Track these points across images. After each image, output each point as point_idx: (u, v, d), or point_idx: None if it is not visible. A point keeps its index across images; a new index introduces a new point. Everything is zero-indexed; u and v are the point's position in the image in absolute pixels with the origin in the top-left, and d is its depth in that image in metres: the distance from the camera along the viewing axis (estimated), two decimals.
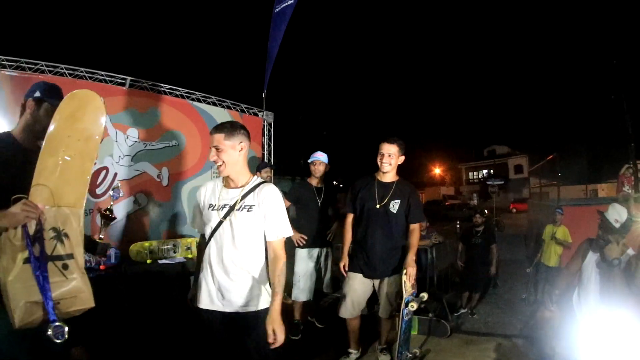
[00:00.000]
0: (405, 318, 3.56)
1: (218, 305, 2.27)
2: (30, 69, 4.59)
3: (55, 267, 1.74)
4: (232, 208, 2.26)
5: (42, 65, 4.65)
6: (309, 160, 4.70)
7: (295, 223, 4.59)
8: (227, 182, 2.39)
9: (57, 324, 1.65)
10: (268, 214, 2.26)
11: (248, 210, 2.25)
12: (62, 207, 1.82)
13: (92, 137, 1.97)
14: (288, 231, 2.34)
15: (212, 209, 2.32)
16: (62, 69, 4.74)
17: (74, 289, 1.77)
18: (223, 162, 2.26)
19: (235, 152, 2.29)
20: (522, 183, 35.88)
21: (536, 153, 28.09)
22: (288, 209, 4.78)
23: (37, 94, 2.10)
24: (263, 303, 2.27)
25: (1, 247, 1.67)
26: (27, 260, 1.66)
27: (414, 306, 3.48)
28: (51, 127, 1.85)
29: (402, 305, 3.52)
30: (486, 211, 7.05)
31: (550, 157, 11.51)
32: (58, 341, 1.65)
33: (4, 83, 4.39)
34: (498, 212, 16.53)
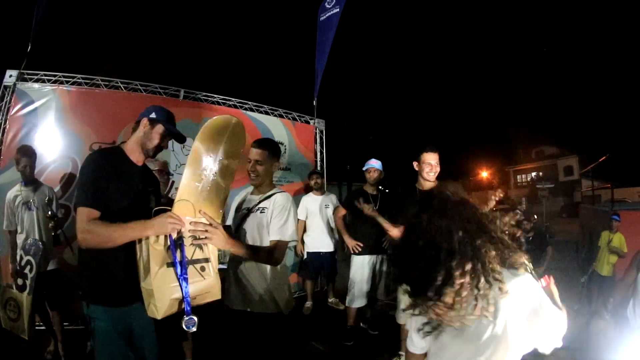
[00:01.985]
0: None
1: (239, 305, 2.54)
2: (86, 83, 4.96)
3: (195, 269, 2.06)
4: (249, 210, 2.57)
5: (97, 80, 5.02)
6: (364, 168, 4.88)
7: (350, 230, 4.80)
8: (253, 191, 2.72)
9: (191, 316, 1.98)
10: (273, 216, 2.49)
11: (261, 212, 2.52)
12: (201, 219, 2.09)
13: (232, 158, 2.20)
14: (288, 236, 2.49)
15: (237, 212, 2.70)
16: (117, 82, 5.10)
17: (208, 286, 2.09)
18: (259, 174, 2.58)
19: (270, 169, 2.64)
20: (573, 185, 34.82)
21: (587, 153, 27.28)
22: (344, 216, 4.97)
23: (153, 115, 2.34)
24: (272, 307, 2.50)
25: (142, 253, 1.97)
26: (170, 265, 1.98)
27: None
28: (193, 150, 2.08)
29: None
30: (535, 216, 6.99)
31: (604, 157, 11.17)
32: (189, 330, 1.99)
33: (63, 98, 4.81)
34: (548, 217, 16.14)
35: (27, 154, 4.03)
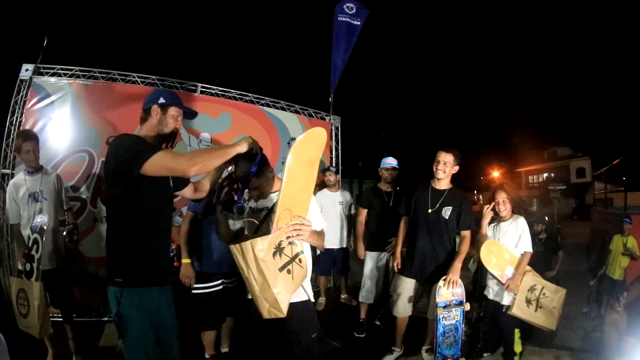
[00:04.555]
0: (444, 322, 3.82)
1: None
2: (103, 77, 5.11)
3: (296, 263, 2.33)
4: (271, 209, 2.59)
5: (114, 74, 5.17)
6: (381, 166, 5.04)
7: (367, 227, 5.03)
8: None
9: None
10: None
11: None
12: (296, 221, 2.32)
13: (315, 163, 2.40)
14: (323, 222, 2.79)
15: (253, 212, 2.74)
16: (133, 77, 5.25)
17: (305, 271, 2.43)
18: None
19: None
20: (585, 188, 34.78)
21: (600, 155, 27.28)
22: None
23: (162, 100, 2.41)
24: (297, 296, 2.55)
25: (251, 268, 2.14)
26: (282, 268, 2.22)
27: (440, 312, 3.77)
28: (289, 162, 2.19)
29: (435, 310, 3.83)
30: (546, 218, 7.10)
31: (617, 160, 11.26)
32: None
33: (79, 92, 4.95)
34: (559, 219, 16.20)
35: (29, 137, 3.81)
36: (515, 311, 3.79)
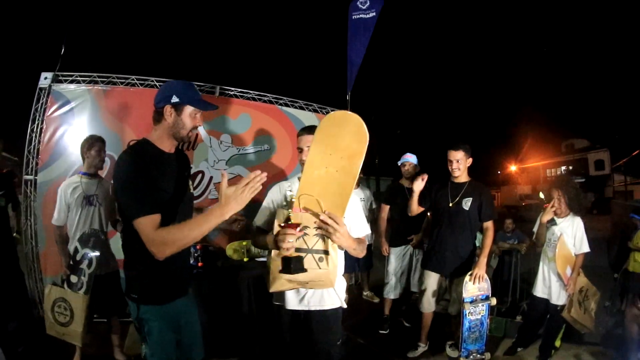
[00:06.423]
0: (469, 317, 3.92)
1: (294, 304, 2.48)
2: (121, 82, 5.24)
3: (313, 258, 2.11)
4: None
5: (132, 79, 5.29)
6: (399, 162, 5.17)
7: (390, 223, 5.20)
8: None
9: None
10: (349, 215, 2.39)
11: None
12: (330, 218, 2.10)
13: (356, 156, 2.12)
14: (367, 229, 2.60)
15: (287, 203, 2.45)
16: (152, 81, 5.35)
17: (322, 275, 2.13)
18: None
19: None
20: (604, 180, 34.41)
21: (618, 147, 27.04)
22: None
23: (175, 99, 2.17)
24: (329, 303, 2.46)
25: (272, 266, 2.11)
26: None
27: (467, 307, 3.87)
28: (312, 146, 2.08)
29: (460, 306, 3.93)
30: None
31: (637, 152, 11.24)
32: None
33: (98, 97, 5.08)
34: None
35: (100, 139, 3.87)
36: (573, 314, 3.91)
